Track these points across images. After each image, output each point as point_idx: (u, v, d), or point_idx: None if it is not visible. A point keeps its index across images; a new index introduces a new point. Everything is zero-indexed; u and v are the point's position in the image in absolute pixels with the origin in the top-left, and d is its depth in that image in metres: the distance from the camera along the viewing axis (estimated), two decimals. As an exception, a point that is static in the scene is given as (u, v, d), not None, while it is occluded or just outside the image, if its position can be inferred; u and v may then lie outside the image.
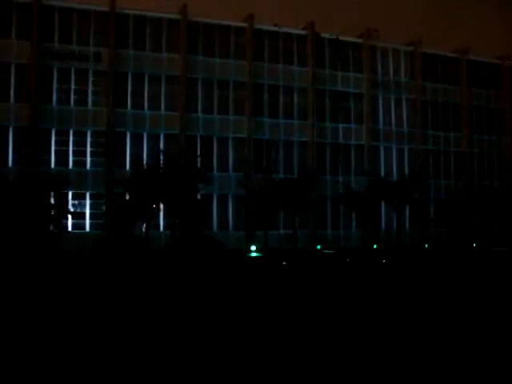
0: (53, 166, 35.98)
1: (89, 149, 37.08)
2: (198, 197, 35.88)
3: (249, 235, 38.19)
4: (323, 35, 43.09)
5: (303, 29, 42.86)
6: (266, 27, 41.73)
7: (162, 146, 37.82)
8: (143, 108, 38.46)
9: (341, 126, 43.06)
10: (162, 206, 34.96)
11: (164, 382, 5.48)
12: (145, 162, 35.24)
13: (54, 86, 36.67)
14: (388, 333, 9.14)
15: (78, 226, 35.68)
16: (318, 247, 37.86)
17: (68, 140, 36.71)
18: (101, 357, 6.65)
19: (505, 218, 42.98)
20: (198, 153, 38.67)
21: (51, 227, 31.75)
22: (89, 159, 37.02)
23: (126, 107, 38.06)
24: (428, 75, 46.18)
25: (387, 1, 62.24)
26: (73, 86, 37.04)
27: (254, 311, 11.03)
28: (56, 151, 36.42)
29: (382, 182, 39.62)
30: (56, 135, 36.49)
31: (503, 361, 7.18)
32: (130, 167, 36.48)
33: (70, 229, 34.88)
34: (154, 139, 38.12)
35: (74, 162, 36.65)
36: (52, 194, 33.39)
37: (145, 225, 31.67)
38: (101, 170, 36.66)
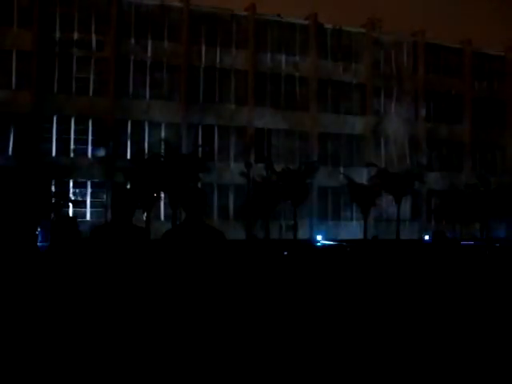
0: (54, 154, 35.97)
1: (90, 137, 37.06)
2: (199, 186, 35.91)
3: (249, 225, 38.20)
4: (326, 25, 42.92)
5: (306, 19, 42.67)
6: (268, 17, 41.57)
7: (163, 134, 37.76)
8: (145, 97, 38.38)
9: (342, 116, 42.97)
10: (162, 195, 34.99)
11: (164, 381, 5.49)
12: (146, 151, 35.20)
13: (56, 73, 36.57)
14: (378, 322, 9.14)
15: (79, 214, 35.69)
16: (318, 238, 37.85)
17: (69, 128, 36.69)
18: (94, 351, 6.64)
19: (505, 211, 42.89)
20: (199, 142, 38.64)
21: (52, 215, 31.79)
22: (90, 147, 37.01)
23: (128, 96, 37.99)
24: (431, 66, 46.01)
25: (391, -9, 61.91)
26: (74, 74, 36.94)
27: (251, 302, 11.05)
28: (57, 139, 36.40)
29: (383, 173, 39.55)
30: (57, 123, 36.45)
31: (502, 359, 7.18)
32: (131, 156, 36.46)
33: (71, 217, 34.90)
34: (155, 128, 38.06)
35: (74, 149, 36.63)
36: (53, 182, 33.43)
37: (145, 214, 31.74)
38: (102, 158, 36.62)
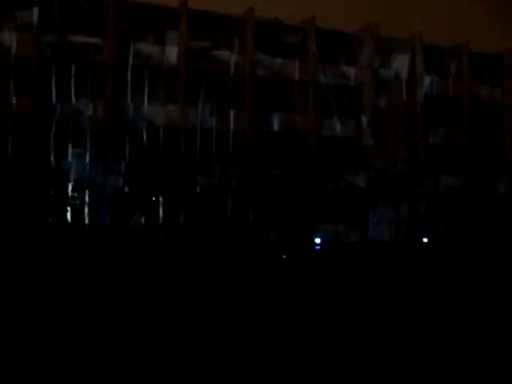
0: (52, 157, 35.90)
1: (88, 141, 37.00)
2: (198, 190, 35.87)
3: (248, 228, 38.19)
4: (324, 29, 42.92)
5: (304, 22, 42.70)
6: (266, 20, 41.60)
7: (161, 138, 37.72)
8: (143, 100, 38.34)
9: (341, 119, 42.97)
10: (161, 198, 34.94)
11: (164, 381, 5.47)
12: (145, 155, 35.13)
13: (54, 77, 36.50)
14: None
15: (78, 218, 35.61)
16: (317, 241, 37.89)
17: (68, 132, 36.62)
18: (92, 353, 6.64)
19: (503, 214, 42.99)
20: (198, 146, 38.60)
21: (50, 219, 31.78)
22: (88, 151, 36.94)
23: (126, 99, 37.93)
24: (429, 69, 46.01)
25: (388, -6, 62.13)
26: (73, 78, 36.88)
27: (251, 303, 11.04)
28: (55, 143, 36.31)
29: (382, 177, 39.56)
30: (56, 127, 36.37)
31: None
32: (129, 160, 36.40)
33: (69, 221, 34.84)
34: (153, 131, 38.01)
35: (73, 153, 36.57)
36: (51, 186, 33.38)
37: (144, 217, 31.72)
38: (100, 162, 36.56)
